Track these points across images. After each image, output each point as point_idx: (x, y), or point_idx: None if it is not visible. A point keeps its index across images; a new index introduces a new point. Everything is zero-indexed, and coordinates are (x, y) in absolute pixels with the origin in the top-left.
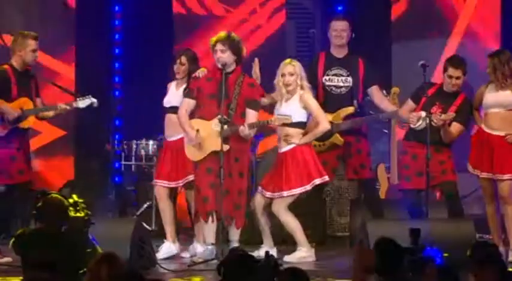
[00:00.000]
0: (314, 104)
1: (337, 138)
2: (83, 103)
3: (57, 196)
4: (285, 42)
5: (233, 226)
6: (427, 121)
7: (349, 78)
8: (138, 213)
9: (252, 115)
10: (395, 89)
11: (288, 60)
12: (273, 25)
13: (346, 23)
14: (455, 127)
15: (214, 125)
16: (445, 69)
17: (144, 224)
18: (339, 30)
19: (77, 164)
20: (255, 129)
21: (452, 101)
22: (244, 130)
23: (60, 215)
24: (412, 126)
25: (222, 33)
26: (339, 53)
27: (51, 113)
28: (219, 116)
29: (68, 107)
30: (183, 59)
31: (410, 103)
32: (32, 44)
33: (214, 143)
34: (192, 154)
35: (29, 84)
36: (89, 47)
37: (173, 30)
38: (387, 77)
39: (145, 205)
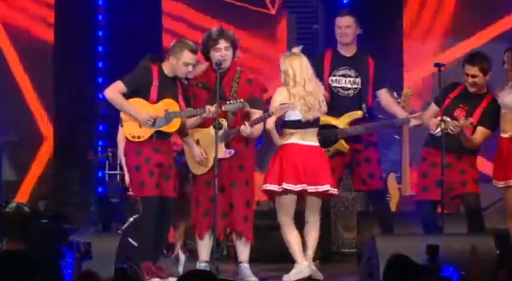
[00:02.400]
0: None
1: (342, 145)
2: (232, 107)
3: (17, 206)
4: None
5: (242, 243)
6: (442, 126)
7: (358, 80)
8: (123, 228)
9: (254, 114)
10: (407, 91)
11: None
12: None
13: (350, 19)
14: (480, 132)
15: (213, 131)
16: (463, 67)
17: (131, 240)
18: (343, 27)
19: (56, 173)
20: (260, 129)
21: (477, 103)
22: (246, 129)
23: (18, 228)
24: (432, 132)
25: (224, 29)
26: (347, 51)
27: (197, 120)
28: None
29: (217, 111)
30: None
31: (433, 107)
32: (187, 57)
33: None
34: (196, 167)
35: (175, 85)
36: (69, 45)
37: (161, 26)
38: (398, 77)
39: (131, 219)
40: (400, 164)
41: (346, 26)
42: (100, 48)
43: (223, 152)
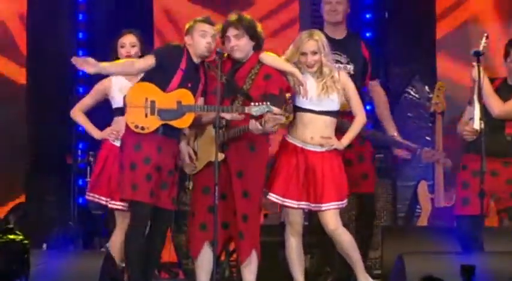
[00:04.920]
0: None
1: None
2: (257, 110)
3: None
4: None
5: (247, 263)
6: (482, 126)
7: (350, 66)
8: (107, 244)
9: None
10: (440, 84)
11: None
12: None
13: None
14: None
15: (212, 128)
16: (506, 54)
17: (116, 259)
18: (334, 2)
19: (29, 181)
20: (276, 126)
21: None
22: (256, 124)
23: None
24: (468, 139)
25: (232, 16)
26: (336, 33)
27: (209, 116)
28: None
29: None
30: (133, 38)
31: (468, 110)
32: (201, 26)
33: (212, 152)
34: (188, 166)
35: (197, 80)
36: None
37: (152, 14)
38: (430, 68)
39: None
40: (432, 171)
41: (336, 2)
42: (80, 35)
43: (220, 156)
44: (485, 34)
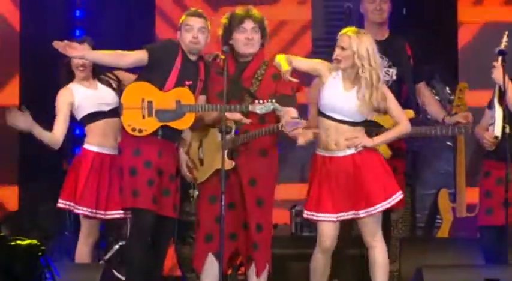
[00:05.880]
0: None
1: (385, 150)
2: (262, 108)
3: None
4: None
5: (253, 273)
6: (507, 130)
7: (393, 70)
8: (106, 257)
9: (290, 114)
10: (462, 85)
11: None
12: None
13: None
14: None
15: (219, 134)
16: None
17: (115, 273)
18: (378, 0)
19: (22, 189)
20: (297, 130)
21: None
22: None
23: None
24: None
25: (252, 9)
26: (379, 34)
27: (212, 116)
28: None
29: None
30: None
31: (487, 114)
32: (186, 20)
33: (220, 159)
34: (187, 176)
35: (196, 78)
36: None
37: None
38: (452, 68)
39: (116, 246)
40: (454, 178)
41: (381, 0)
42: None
43: (230, 164)
44: (506, 32)
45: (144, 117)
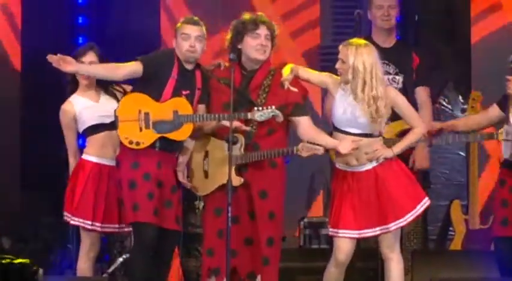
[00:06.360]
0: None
1: None
2: (261, 115)
3: None
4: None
5: None
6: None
7: (398, 77)
8: (109, 270)
9: (304, 122)
10: (475, 94)
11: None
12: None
13: None
14: None
15: (227, 147)
16: None
17: None
18: (386, 6)
19: (24, 198)
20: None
21: None
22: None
23: None
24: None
25: (263, 15)
26: (385, 40)
27: (211, 125)
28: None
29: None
30: (92, 56)
31: (494, 109)
32: (183, 28)
33: (226, 174)
34: (196, 184)
35: (193, 87)
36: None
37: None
38: (465, 76)
39: (120, 259)
40: (466, 189)
41: (389, 6)
42: (80, 20)
43: (238, 181)
44: None
45: (141, 129)
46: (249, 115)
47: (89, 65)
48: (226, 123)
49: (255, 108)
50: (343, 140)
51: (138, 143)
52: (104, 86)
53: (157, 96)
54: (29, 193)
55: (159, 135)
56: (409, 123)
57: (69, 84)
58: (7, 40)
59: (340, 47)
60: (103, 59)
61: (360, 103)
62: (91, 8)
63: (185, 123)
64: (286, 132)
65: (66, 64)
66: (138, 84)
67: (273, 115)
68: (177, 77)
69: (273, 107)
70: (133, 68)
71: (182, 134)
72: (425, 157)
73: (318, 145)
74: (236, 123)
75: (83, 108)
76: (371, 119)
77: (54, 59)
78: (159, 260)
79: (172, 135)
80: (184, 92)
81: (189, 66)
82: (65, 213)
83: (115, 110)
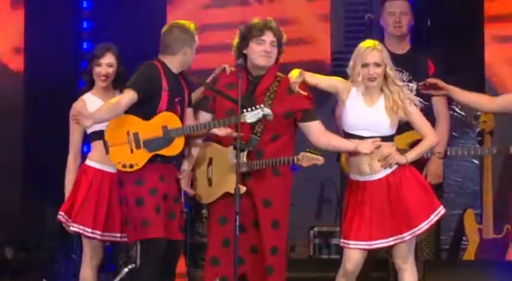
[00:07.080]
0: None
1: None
2: (252, 116)
3: None
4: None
5: None
6: None
7: (412, 84)
8: None
9: (316, 127)
10: None
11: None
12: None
13: (406, 3)
14: None
15: (231, 154)
16: None
17: None
18: (398, 13)
19: (25, 205)
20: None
21: None
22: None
23: None
24: None
25: (272, 21)
26: (398, 47)
27: (202, 131)
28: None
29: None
30: (111, 57)
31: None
32: (197, 40)
33: (230, 182)
34: (200, 193)
35: (182, 92)
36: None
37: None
38: (478, 80)
39: (125, 270)
40: (480, 198)
41: (401, 12)
42: (85, 24)
43: (241, 189)
44: None
45: (132, 151)
46: (240, 118)
47: (98, 112)
48: (216, 131)
49: (244, 109)
50: (362, 141)
51: (131, 166)
52: (120, 88)
53: (154, 111)
54: (31, 199)
55: (151, 153)
56: (419, 132)
57: (85, 84)
58: (11, 45)
59: (370, 50)
60: (121, 59)
61: (378, 102)
62: (96, 13)
63: (176, 137)
64: (292, 137)
65: (85, 120)
66: (133, 107)
67: (263, 115)
68: (168, 88)
69: (262, 105)
70: (129, 98)
71: (174, 148)
72: (438, 173)
73: (334, 149)
74: (226, 131)
75: (95, 109)
76: (390, 115)
77: (75, 119)
78: (166, 269)
79: (165, 152)
80: (176, 99)
81: (176, 71)
82: (60, 212)
83: (103, 137)
